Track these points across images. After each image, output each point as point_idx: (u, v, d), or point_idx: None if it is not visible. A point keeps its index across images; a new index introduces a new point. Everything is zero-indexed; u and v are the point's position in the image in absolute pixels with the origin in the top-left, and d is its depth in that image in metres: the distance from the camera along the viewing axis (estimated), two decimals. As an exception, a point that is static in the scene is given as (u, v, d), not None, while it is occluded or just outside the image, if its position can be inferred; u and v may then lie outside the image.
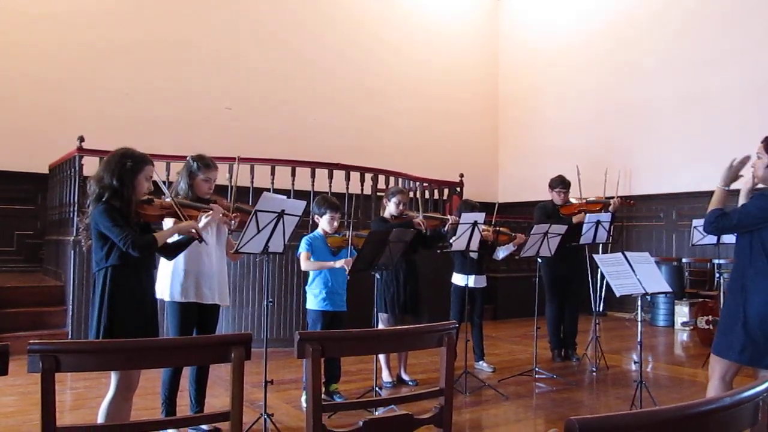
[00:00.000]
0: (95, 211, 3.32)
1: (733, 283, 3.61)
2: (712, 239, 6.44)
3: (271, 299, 4.46)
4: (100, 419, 3.31)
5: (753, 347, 3.40)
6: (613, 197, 6.92)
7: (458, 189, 10.48)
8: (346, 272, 4.83)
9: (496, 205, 6.07)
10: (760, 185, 3.56)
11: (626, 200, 7.25)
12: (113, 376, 3.33)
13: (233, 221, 4.05)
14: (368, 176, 8.60)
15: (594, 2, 12.03)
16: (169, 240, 3.79)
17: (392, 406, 4.05)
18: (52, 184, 8.58)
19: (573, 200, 6.98)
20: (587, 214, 6.49)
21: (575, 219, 6.63)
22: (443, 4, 13.28)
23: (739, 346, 3.45)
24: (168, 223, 3.88)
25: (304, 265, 4.97)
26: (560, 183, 6.90)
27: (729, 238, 5.63)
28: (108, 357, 2.14)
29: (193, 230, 3.58)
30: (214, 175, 4.22)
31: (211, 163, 4.21)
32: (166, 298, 4.07)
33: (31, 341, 1.93)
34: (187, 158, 4.23)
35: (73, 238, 6.73)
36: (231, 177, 7.29)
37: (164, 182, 4.00)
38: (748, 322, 3.41)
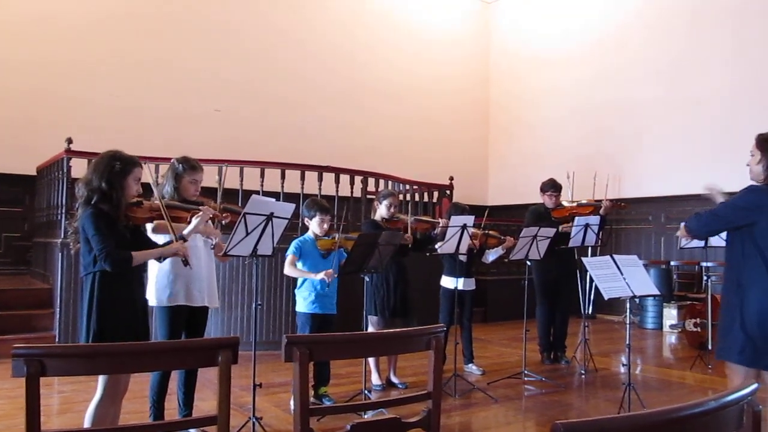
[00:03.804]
0: (83, 214, 3.30)
1: (729, 283, 3.59)
2: (700, 242, 6.47)
3: (260, 302, 4.45)
4: (87, 423, 3.29)
5: (752, 347, 3.38)
6: (602, 200, 6.94)
7: (448, 192, 10.49)
8: (327, 284, 4.81)
9: (486, 212, 6.08)
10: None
11: (617, 203, 7.27)
12: (100, 380, 3.31)
13: (223, 221, 4.05)
14: (358, 179, 8.59)
15: (582, 11, 12.10)
16: (161, 241, 3.77)
17: (381, 409, 4.05)
18: (39, 186, 8.53)
19: (565, 203, 7.00)
20: (576, 218, 6.50)
21: (563, 228, 6.59)
22: (435, 14, 13.32)
23: (738, 347, 3.42)
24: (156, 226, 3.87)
25: (287, 269, 4.97)
26: (552, 186, 6.91)
27: (717, 241, 5.64)
28: (95, 361, 2.13)
29: (180, 253, 3.53)
30: (200, 177, 4.20)
31: (196, 165, 4.19)
32: (155, 303, 4.05)
33: (15, 345, 1.91)
34: (172, 161, 4.21)
35: (60, 240, 6.69)
36: (220, 180, 7.27)
37: (155, 184, 3.99)
38: (745, 322, 3.39)
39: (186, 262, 3.55)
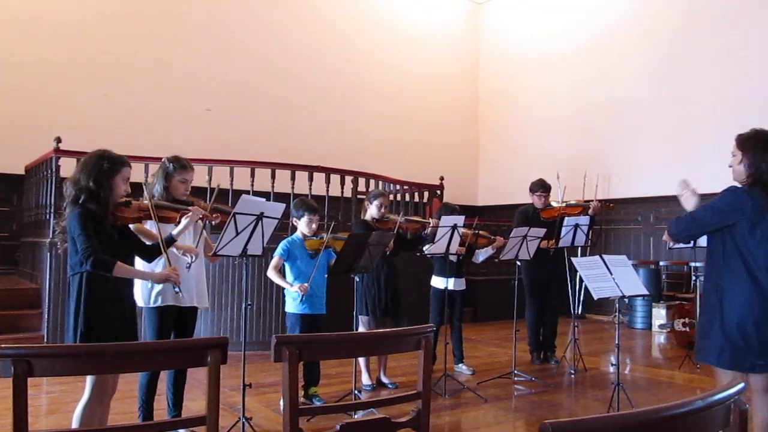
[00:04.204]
0: (70, 214, 3.28)
1: (708, 284, 3.53)
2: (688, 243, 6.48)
3: (250, 302, 4.44)
4: (75, 424, 3.27)
5: (732, 349, 3.30)
6: (592, 201, 6.96)
7: (438, 192, 10.51)
8: (301, 297, 4.80)
9: (476, 219, 6.08)
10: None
11: (606, 204, 7.30)
12: (88, 380, 3.29)
13: (213, 222, 4.03)
14: (348, 179, 8.59)
15: (571, 13, 12.14)
16: (148, 243, 3.76)
17: (371, 409, 4.05)
18: (28, 185, 8.47)
19: (553, 203, 7.02)
20: (566, 218, 6.51)
21: (543, 245, 6.51)
22: (426, 16, 13.34)
23: (718, 349, 3.35)
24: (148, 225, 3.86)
25: (270, 271, 5.00)
26: (540, 186, 6.92)
27: (706, 242, 5.65)
28: (82, 361, 2.12)
29: (171, 280, 3.50)
30: (190, 176, 4.18)
31: (187, 164, 4.17)
32: (144, 304, 4.03)
33: (2, 345, 1.90)
34: (163, 160, 4.19)
35: (49, 240, 6.65)
36: (210, 180, 7.26)
37: (145, 183, 3.98)
38: (725, 324, 3.32)
39: (178, 290, 3.53)
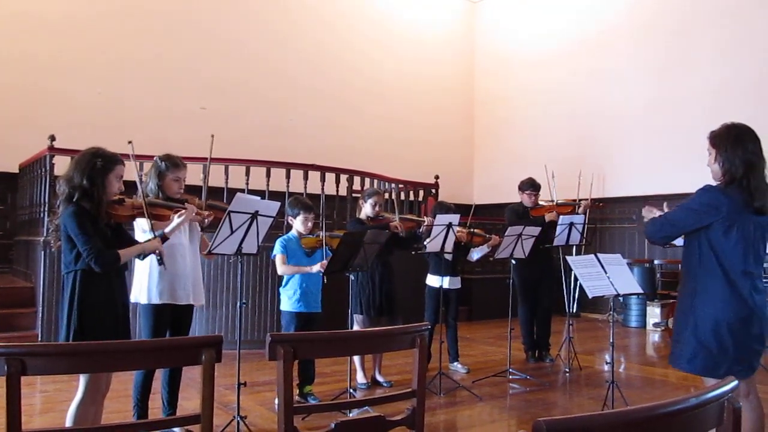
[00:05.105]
0: (65, 212, 3.27)
1: (683, 286, 3.41)
2: (681, 241, 6.49)
3: (245, 301, 4.43)
4: (68, 423, 3.26)
5: (705, 355, 3.18)
6: (584, 200, 6.98)
7: (434, 191, 10.51)
8: (322, 275, 4.81)
9: (473, 207, 6.09)
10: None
11: (596, 203, 7.31)
12: (81, 379, 3.29)
13: (207, 219, 4.03)
14: (344, 177, 8.59)
15: (567, 13, 12.14)
16: (141, 239, 3.75)
17: (366, 407, 4.05)
18: (22, 183, 8.45)
19: (542, 202, 7.03)
20: (561, 216, 6.53)
21: (548, 217, 6.65)
22: (421, 14, 13.32)
23: (689, 354, 3.22)
24: (141, 223, 3.85)
25: (280, 269, 4.96)
26: (530, 185, 6.93)
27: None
28: (76, 360, 2.11)
29: (157, 252, 3.51)
30: (183, 174, 4.17)
31: (179, 162, 4.17)
32: (141, 301, 4.01)
33: (-4, 344, 1.89)
34: (155, 158, 4.19)
35: (43, 238, 6.63)
36: (205, 177, 7.23)
37: (140, 181, 3.97)
38: (698, 328, 3.19)
39: (161, 261, 3.53)
